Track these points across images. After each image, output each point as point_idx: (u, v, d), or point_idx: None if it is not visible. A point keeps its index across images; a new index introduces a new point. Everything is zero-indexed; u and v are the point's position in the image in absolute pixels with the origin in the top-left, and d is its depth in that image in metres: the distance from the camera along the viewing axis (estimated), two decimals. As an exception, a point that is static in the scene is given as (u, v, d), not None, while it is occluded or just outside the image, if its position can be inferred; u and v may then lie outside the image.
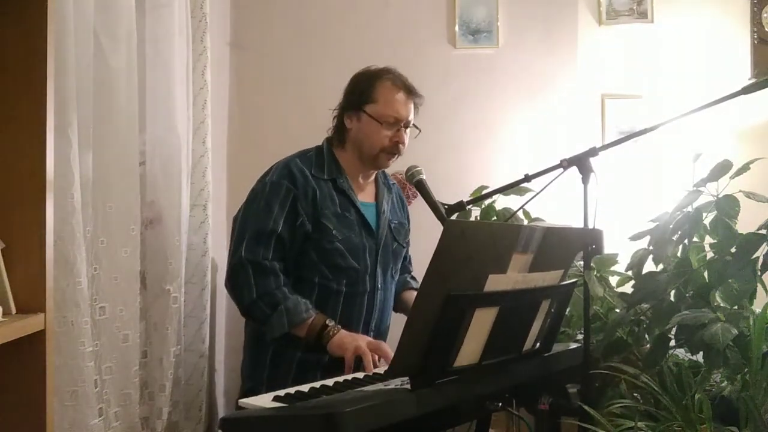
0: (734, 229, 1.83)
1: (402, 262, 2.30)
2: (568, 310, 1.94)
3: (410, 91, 2.10)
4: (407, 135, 2.12)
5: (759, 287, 1.78)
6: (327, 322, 1.94)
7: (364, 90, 2.09)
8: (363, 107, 2.07)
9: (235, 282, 2.02)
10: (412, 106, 2.11)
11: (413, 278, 2.38)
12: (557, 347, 1.76)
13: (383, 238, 2.13)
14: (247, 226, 2.03)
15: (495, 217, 2.48)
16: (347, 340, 1.89)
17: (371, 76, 2.11)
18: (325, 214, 2.03)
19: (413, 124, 2.13)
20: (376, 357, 1.85)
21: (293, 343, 2.00)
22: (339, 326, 1.94)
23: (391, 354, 1.83)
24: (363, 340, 1.89)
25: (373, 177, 2.21)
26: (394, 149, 2.09)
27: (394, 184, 2.31)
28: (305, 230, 2.02)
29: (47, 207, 1.17)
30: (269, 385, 1.89)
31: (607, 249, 2.41)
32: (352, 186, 2.12)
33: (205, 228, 2.45)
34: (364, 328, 2.08)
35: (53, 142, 1.18)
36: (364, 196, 2.16)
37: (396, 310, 2.27)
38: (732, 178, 1.87)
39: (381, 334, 2.15)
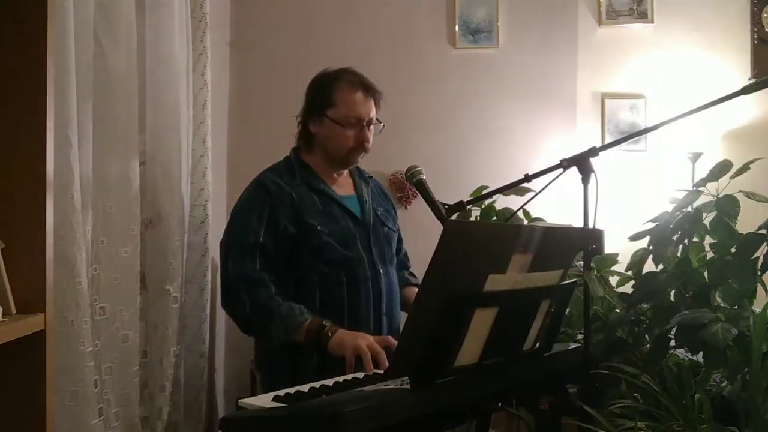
0: (734, 229, 1.84)
1: (398, 255, 2.30)
2: (568, 310, 1.94)
3: (368, 89, 2.12)
4: (371, 132, 2.13)
5: (759, 287, 1.78)
6: (324, 322, 1.93)
7: (323, 95, 2.12)
8: (324, 112, 2.10)
9: (229, 300, 2.03)
10: (372, 103, 2.12)
11: (412, 274, 2.38)
12: (557, 347, 1.75)
13: (371, 224, 2.14)
14: (231, 244, 2.05)
15: (495, 217, 2.48)
16: (347, 339, 1.88)
17: (328, 80, 2.13)
18: (308, 213, 2.04)
19: (376, 119, 2.14)
20: (383, 357, 1.82)
21: (305, 349, 1.99)
22: (336, 325, 1.94)
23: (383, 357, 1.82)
24: (363, 339, 1.87)
25: (346, 171, 2.22)
26: (359, 148, 2.11)
27: (371, 177, 2.32)
28: (289, 234, 2.02)
29: (47, 207, 1.17)
30: None
31: (607, 249, 2.41)
32: (329, 184, 2.13)
33: (205, 228, 2.45)
34: (375, 314, 2.07)
35: (53, 142, 1.18)
36: (344, 191, 2.18)
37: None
38: (732, 178, 1.87)
39: (393, 319, 2.14)
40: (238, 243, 2.03)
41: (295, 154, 2.19)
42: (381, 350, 1.85)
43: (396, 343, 1.84)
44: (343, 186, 2.19)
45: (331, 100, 2.10)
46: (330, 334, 1.91)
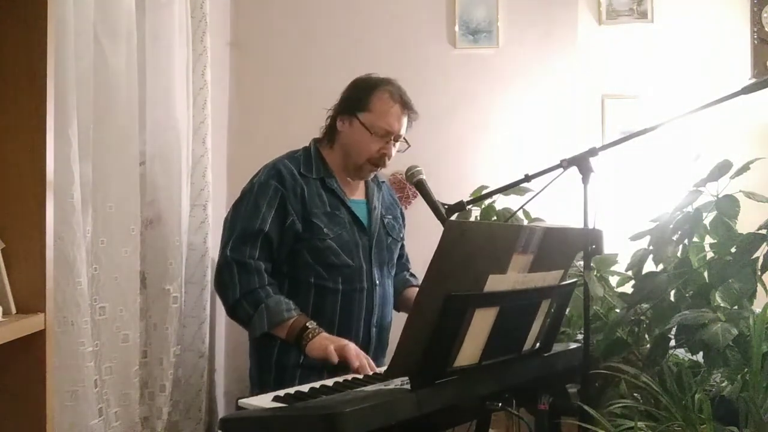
0: (734, 229, 1.84)
1: (399, 260, 2.30)
2: (568, 310, 1.94)
3: (406, 106, 2.10)
4: (395, 148, 2.12)
5: (759, 287, 1.78)
6: (307, 324, 1.91)
7: (361, 97, 2.09)
8: (357, 114, 2.08)
9: (220, 281, 2.02)
10: (405, 120, 2.10)
11: (413, 275, 2.37)
12: (557, 347, 1.75)
13: (376, 234, 2.13)
14: (235, 227, 2.03)
15: (495, 217, 2.48)
16: (326, 342, 1.87)
17: (371, 85, 2.11)
18: (315, 213, 2.03)
19: (404, 138, 2.13)
20: (363, 360, 1.82)
21: (294, 348, 1.99)
22: (321, 329, 1.92)
23: (368, 367, 1.82)
24: (345, 342, 1.87)
25: None
26: (379, 161, 2.10)
27: (383, 182, 2.31)
28: (295, 230, 2.01)
29: (47, 207, 1.17)
30: (277, 389, 1.88)
31: (607, 249, 2.41)
32: (341, 185, 2.12)
33: (205, 228, 2.45)
34: (365, 326, 2.08)
35: (53, 142, 1.18)
36: (354, 194, 2.17)
37: (398, 309, 2.27)
38: (732, 178, 1.87)
39: (384, 330, 2.14)
40: (244, 227, 2.01)
41: (315, 146, 2.17)
42: (361, 356, 1.84)
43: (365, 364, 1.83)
44: (354, 189, 2.17)
45: (367, 105, 2.07)
46: (310, 337, 1.89)
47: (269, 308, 1.93)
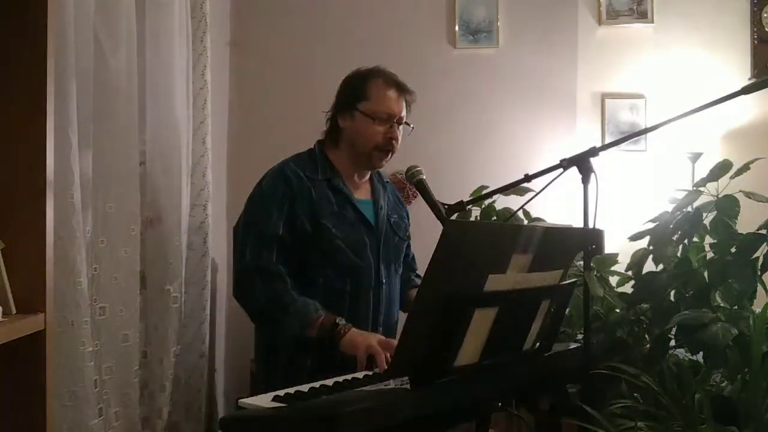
0: (734, 229, 1.84)
1: (405, 259, 2.30)
2: (568, 310, 1.94)
3: (402, 88, 2.12)
4: (401, 132, 2.13)
5: (759, 287, 1.78)
6: (337, 320, 1.94)
7: (356, 89, 2.11)
8: (356, 105, 2.09)
9: (243, 290, 2.02)
10: (404, 103, 2.12)
11: (418, 276, 2.38)
12: (557, 347, 1.75)
13: (383, 233, 2.14)
14: (249, 233, 2.03)
15: (495, 217, 2.48)
16: (358, 339, 1.89)
17: (363, 76, 2.13)
18: (323, 214, 2.03)
19: (406, 122, 2.14)
20: (388, 355, 1.85)
21: (304, 350, 2.00)
22: (349, 324, 1.95)
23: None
24: (374, 339, 1.88)
25: (368, 176, 2.22)
26: (387, 146, 2.10)
27: (388, 182, 2.32)
28: (305, 231, 2.02)
29: (47, 207, 1.17)
30: None
31: (607, 249, 2.41)
32: (348, 185, 2.13)
33: (205, 228, 2.45)
34: (372, 324, 2.08)
35: (53, 142, 1.18)
36: (361, 194, 2.17)
37: (402, 309, 2.27)
38: (732, 178, 1.87)
39: (390, 329, 2.15)
40: (258, 233, 2.01)
41: (320, 147, 2.18)
42: (392, 345, 1.85)
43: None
44: (361, 189, 2.18)
45: (365, 94, 2.09)
46: (343, 333, 1.91)
47: (298, 311, 1.94)
